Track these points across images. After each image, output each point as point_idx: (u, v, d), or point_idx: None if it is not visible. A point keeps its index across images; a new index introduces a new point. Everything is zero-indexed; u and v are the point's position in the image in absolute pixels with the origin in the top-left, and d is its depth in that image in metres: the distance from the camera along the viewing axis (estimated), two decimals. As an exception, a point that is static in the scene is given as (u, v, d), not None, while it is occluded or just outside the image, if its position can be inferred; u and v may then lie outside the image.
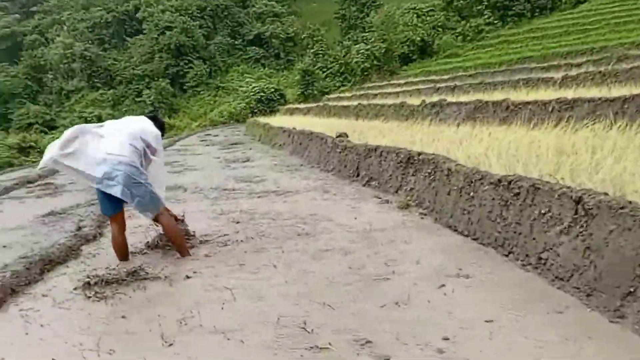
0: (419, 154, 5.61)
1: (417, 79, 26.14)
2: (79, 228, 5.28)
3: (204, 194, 7.21)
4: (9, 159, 30.72)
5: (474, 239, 3.95)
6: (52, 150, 3.88)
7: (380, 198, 5.84)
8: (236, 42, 48.96)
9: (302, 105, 25.98)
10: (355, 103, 18.37)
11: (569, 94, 8.82)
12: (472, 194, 4.04)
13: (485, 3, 36.51)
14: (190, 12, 47.48)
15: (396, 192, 5.85)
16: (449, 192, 4.51)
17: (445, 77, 23.09)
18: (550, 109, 8.31)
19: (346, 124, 13.09)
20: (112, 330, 2.86)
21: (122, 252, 4.15)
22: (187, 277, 3.67)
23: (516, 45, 30.17)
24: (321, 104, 23.27)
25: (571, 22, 30.83)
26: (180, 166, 10.82)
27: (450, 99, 12.03)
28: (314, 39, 40.01)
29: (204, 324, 2.82)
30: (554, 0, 34.67)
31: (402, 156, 5.84)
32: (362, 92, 25.47)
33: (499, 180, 3.66)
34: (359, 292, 3.14)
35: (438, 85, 18.46)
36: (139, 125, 4.20)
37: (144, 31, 47.68)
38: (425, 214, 4.95)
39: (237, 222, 5.24)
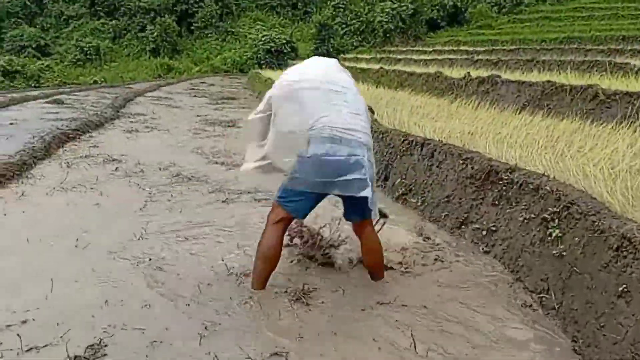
0: (510, 169, 3.13)
1: (446, 48, 23.21)
2: None
3: (139, 180, 4.78)
4: (-8, 83, 28.20)
5: None
6: None
7: (423, 236, 3.36)
8: (253, -16, 45.11)
9: (314, 62, 23.07)
10: (376, 67, 15.64)
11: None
12: None
13: (529, -26, 33.01)
14: (207, -54, 43.44)
15: (458, 228, 3.38)
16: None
17: (480, 49, 20.23)
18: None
19: (365, 92, 10.49)
20: None
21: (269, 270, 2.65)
22: None
23: (558, 23, 27.15)
24: (336, 63, 20.42)
25: (620, 4, 27.73)
26: (141, 123, 8.27)
27: (503, 75, 9.40)
28: (337, -10, 36.42)
29: None
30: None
31: (475, 167, 3.34)
32: (383, 56, 22.57)
33: None
34: None
35: (476, 57, 15.67)
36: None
37: (155, -40, 43.82)
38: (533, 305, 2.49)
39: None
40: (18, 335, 2.15)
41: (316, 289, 2.69)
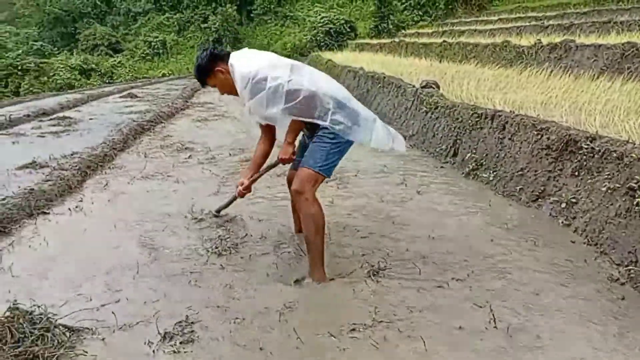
0: (591, 137, 2.97)
1: (513, 16, 22.09)
2: None
3: (211, 166, 4.95)
4: (70, 81, 30.06)
5: None
6: None
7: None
8: (310, -33, 44.92)
9: (374, 41, 22.77)
10: (439, 40, 15.17)
11: None
12: None
13: None
14: None
15: (534, 201, 3.25)
16: None
17: (551, 14, 19.09)
18: None
19: (428, 67, 10.24)
20: None
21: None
22: None
23: (639, -20, 25.02)
24: (397, 39, 20.01)
25: None
26: (209, 111, 8.53)
27: (577, 40, 8.83)
28: (394, -35, 35.48)
29: None
30: None
31: (552, 137, 3.19)
32: (445, 29, 21.82)
33: None
34: None
35: (546, 22, 14.82)
36: None
37: (215, -48, 44.62)
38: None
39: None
40: (113, 313, 2.32)
41: (390, 266, 2.70)
